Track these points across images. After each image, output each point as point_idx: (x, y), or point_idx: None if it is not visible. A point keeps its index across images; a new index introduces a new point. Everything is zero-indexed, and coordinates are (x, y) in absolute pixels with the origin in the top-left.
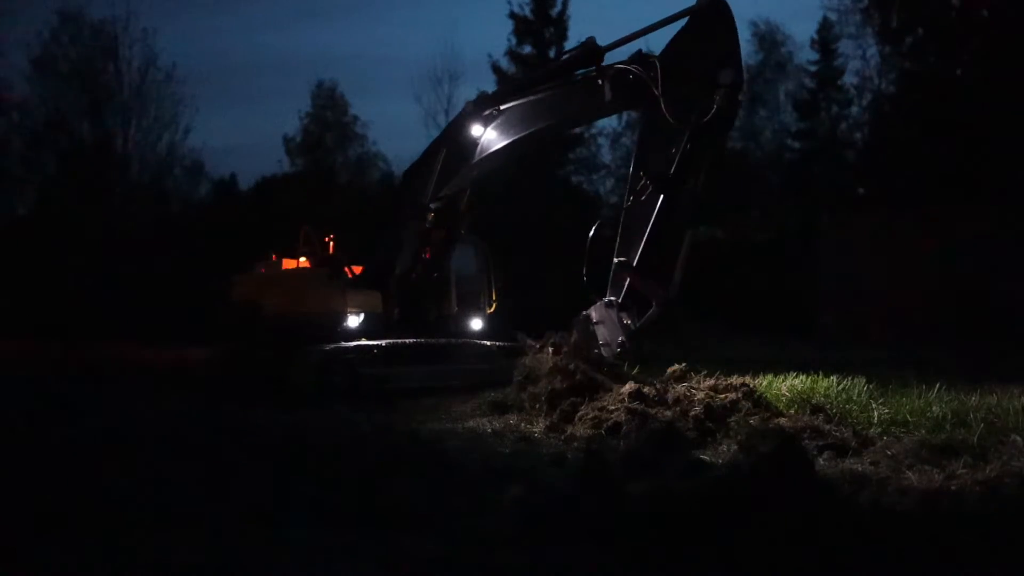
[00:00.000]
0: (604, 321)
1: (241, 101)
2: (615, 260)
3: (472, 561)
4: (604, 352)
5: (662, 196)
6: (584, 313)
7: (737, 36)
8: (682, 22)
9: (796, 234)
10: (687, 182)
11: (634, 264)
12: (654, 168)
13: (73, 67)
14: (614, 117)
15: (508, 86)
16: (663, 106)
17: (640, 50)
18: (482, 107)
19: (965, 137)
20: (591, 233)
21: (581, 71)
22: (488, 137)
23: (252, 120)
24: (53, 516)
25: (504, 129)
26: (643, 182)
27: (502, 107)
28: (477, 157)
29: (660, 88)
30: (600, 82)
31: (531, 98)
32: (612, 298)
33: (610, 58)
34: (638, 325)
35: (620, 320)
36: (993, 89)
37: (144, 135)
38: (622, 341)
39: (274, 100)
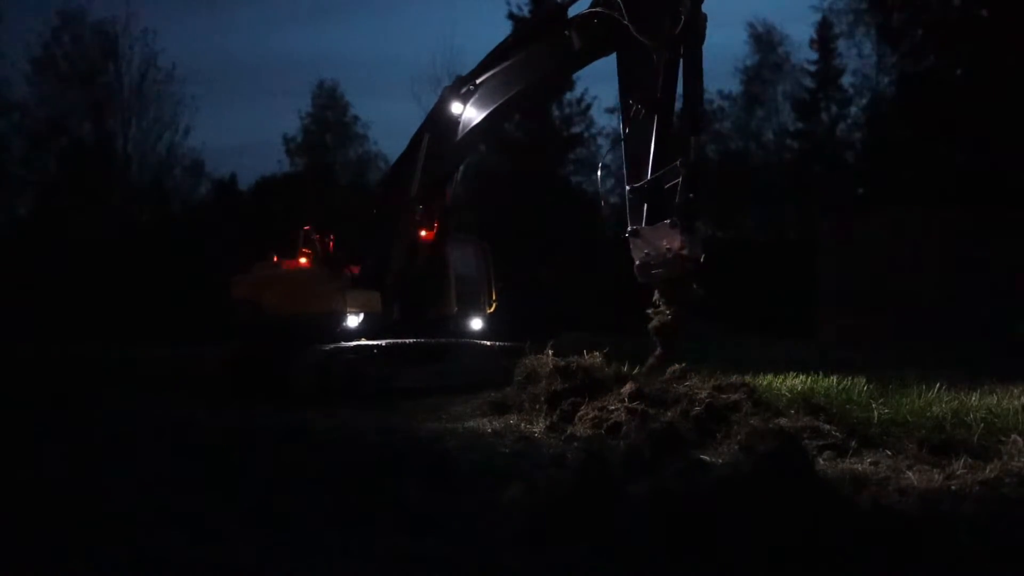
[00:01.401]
0: (649, 244)
1: (241, 101)
2: (627, 189)
3: (472, 561)
4: (685, 258)
5: (656, 116)
6: (637, 263)
7: None
8: None
9: (796, 234)
10: (673, 97)
11: (648, 181)
12: (643, 93)
13: (73, 67)
14: (614, 117)
15: (482, 62)
16: (634, 33)
17: None
18: (459, 87)
19: (965, 137)
20: (599, 170)
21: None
22: (468, 114)
23: (252, 120)
24: (54, 516)
25: (483, 102)
26: (635, 108)
27: (478, 81)
28: (460, 135)
29: (627, 18)
30: (567, 33)
31: (504, 64)
32: (635, 226)
33: (571, 13)
34: (684, 201)
35: (662, 228)
36: (993, 89)
37: (144, 135)
38: (684, 244)
39: (274, 100)
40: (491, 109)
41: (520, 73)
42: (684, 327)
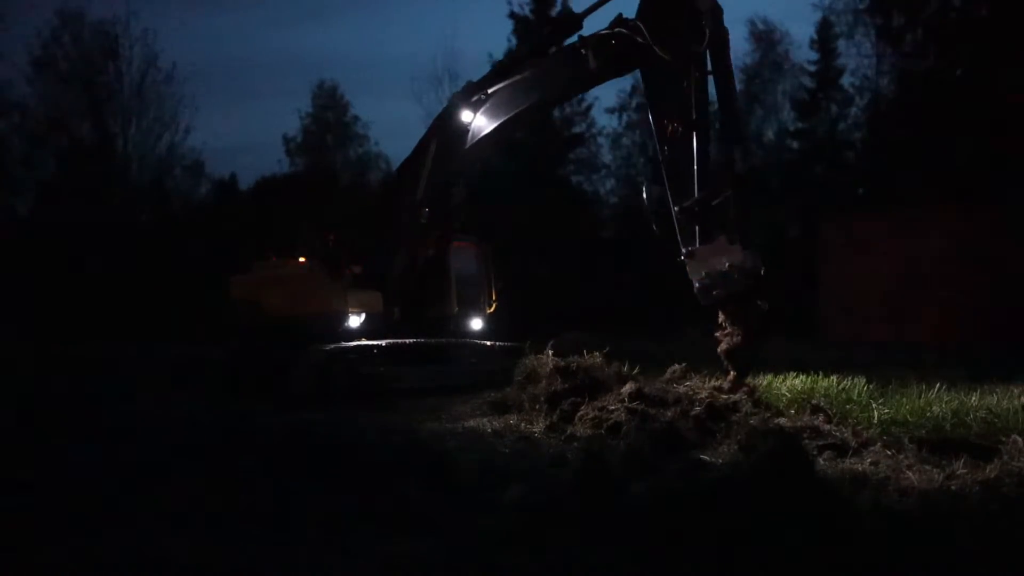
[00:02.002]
0: (706, 264)
1: (241, 101)
2: (675, 210)
3: (472, 561)
4: (747, 272)
5: (695, 134)
6: (696, 286)
7: None
8: None
9: (796, 234)
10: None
11: (696, 200)
12: (677, 112)
13: (73, 67)
14: (614, 117)
15: (494, 69)
16: (659, 53)
17: (620, 15)
18: (469, 94)
19: (965, 137)
20: (643, 193)
21: (564, 43)
22: (478, 123)
23: (252, 120)
24: (54, 515)
25: (493, 112)
26: (671, 127)
27: (489, 91)
28: (469, 143)
29: (650, 39)
30: (584, 51)
31: (517, 77)
32: (689, 247)
33: (589, 23)
34: (738, 214)
35: (719, 246)
36: (993, 89)
37: (144, 135)
38: (745, 258)
39: (274, 100)
40: (501, 120)
41: (533, 87)
42: (757, 347)
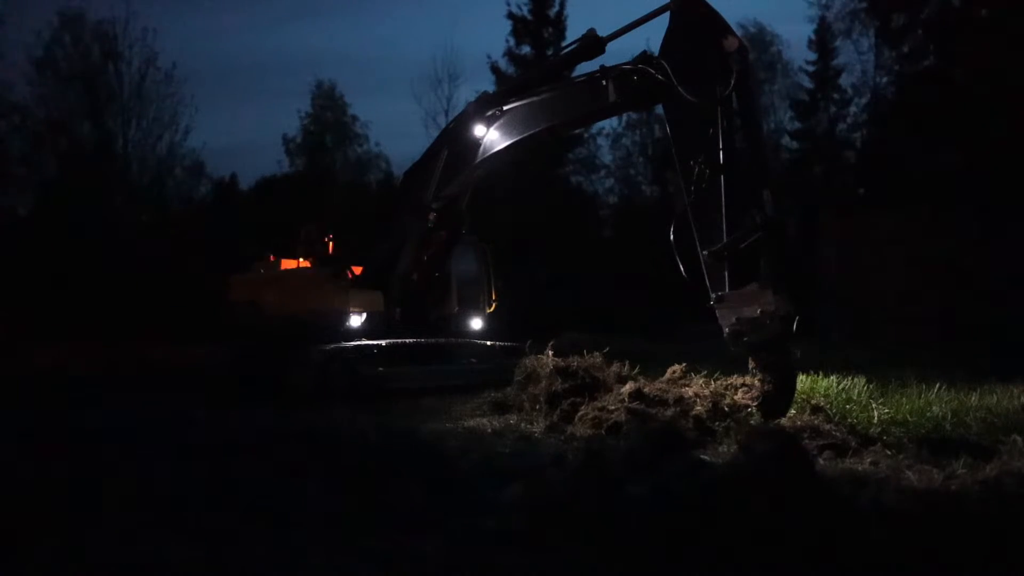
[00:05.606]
0: (736, 310)
1: (241, 101)
2: (703, 254)
3: (472, 561)
4: (781, 318)
5: (723, 178)
6: (726, 331)
7: (718, 12)
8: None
9: (795, 234)
10: (741, 154)
11: (725, 244)
12: (703, 153)
13: (73, 68)
14: (614, 117)
15: (510, 86)
16: (685, 95)
17: (644, 51)
18: (484, 108)
19: (964, 137)
20: (671, 232)
21: (584, 72)
22: (491, 138)
23: (252, 120)
24: (54, 516)
25: (507, 130)
26: (698, 170)
27: (505, 107)
28: (480, 158)
29: (675, 80)
30: (604, 83)
31: (534, 99)
32: (719, 292)
33: (610, 48)
34: (770, 258)
35: (750, 291)
36: (993, 89)
37: (144, 135)
38: (777, 304)
39: (274, 100)
40: (515, 139)
41: (550, 111)
42: (791, 394)
